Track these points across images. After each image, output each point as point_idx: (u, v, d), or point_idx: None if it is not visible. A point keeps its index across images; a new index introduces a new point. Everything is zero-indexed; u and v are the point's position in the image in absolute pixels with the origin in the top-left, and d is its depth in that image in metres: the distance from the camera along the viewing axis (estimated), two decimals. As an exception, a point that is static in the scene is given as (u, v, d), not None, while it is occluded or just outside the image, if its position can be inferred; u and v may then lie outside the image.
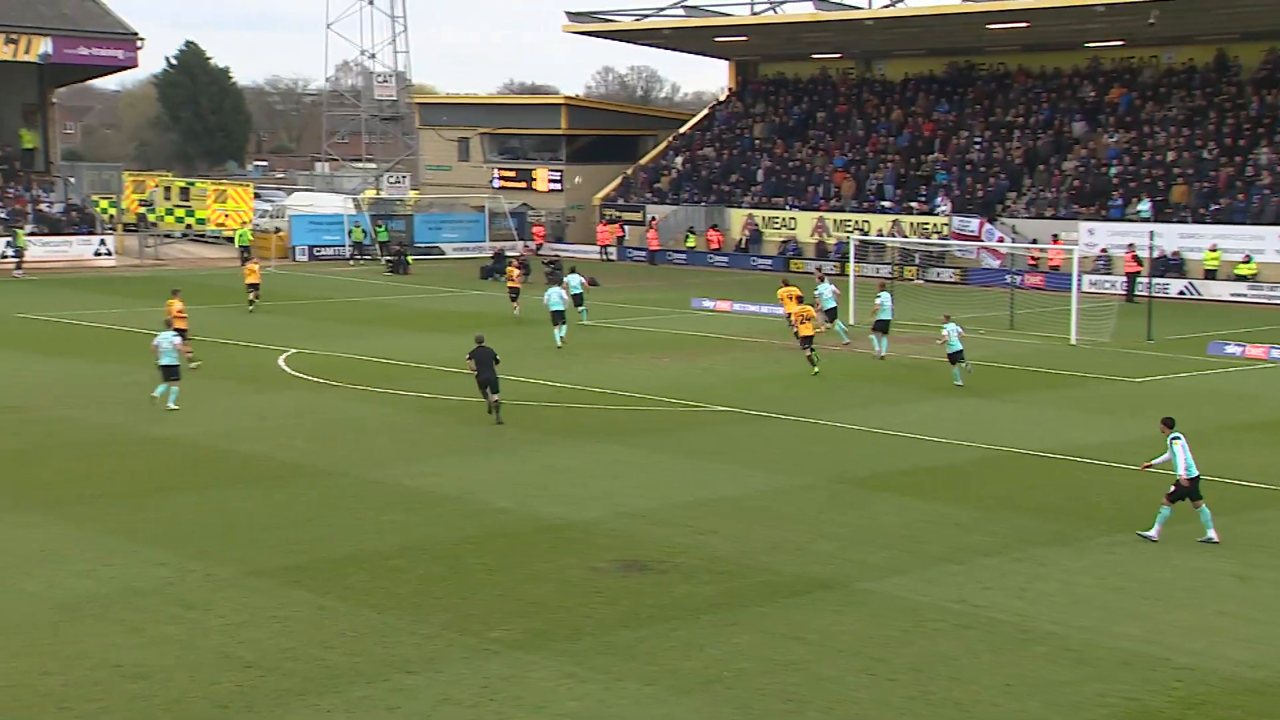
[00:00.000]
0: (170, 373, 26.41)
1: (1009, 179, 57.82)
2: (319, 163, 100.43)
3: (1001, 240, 54.03)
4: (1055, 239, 52.62)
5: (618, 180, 70.10)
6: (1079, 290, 39.38)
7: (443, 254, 64.17)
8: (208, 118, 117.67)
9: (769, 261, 60.31)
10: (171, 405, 26.30)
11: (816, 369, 31.70)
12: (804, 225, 61.26)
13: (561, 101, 77.17)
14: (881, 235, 56.49)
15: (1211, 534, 18.31)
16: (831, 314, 36.28)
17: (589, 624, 15.04)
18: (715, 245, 62.46)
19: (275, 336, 36.67)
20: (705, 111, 74.36)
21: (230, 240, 63.06)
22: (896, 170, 61.23)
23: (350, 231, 62.27)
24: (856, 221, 58.57)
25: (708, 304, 44.97)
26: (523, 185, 73.37)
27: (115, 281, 51.79)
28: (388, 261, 58.22)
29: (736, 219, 63.59)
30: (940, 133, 62.21)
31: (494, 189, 72.30)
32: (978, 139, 60.74)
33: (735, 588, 16.36)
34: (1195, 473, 18.19)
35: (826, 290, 36.71)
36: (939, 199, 58.00)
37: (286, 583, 16.26)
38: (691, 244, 63.11)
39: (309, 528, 18.65)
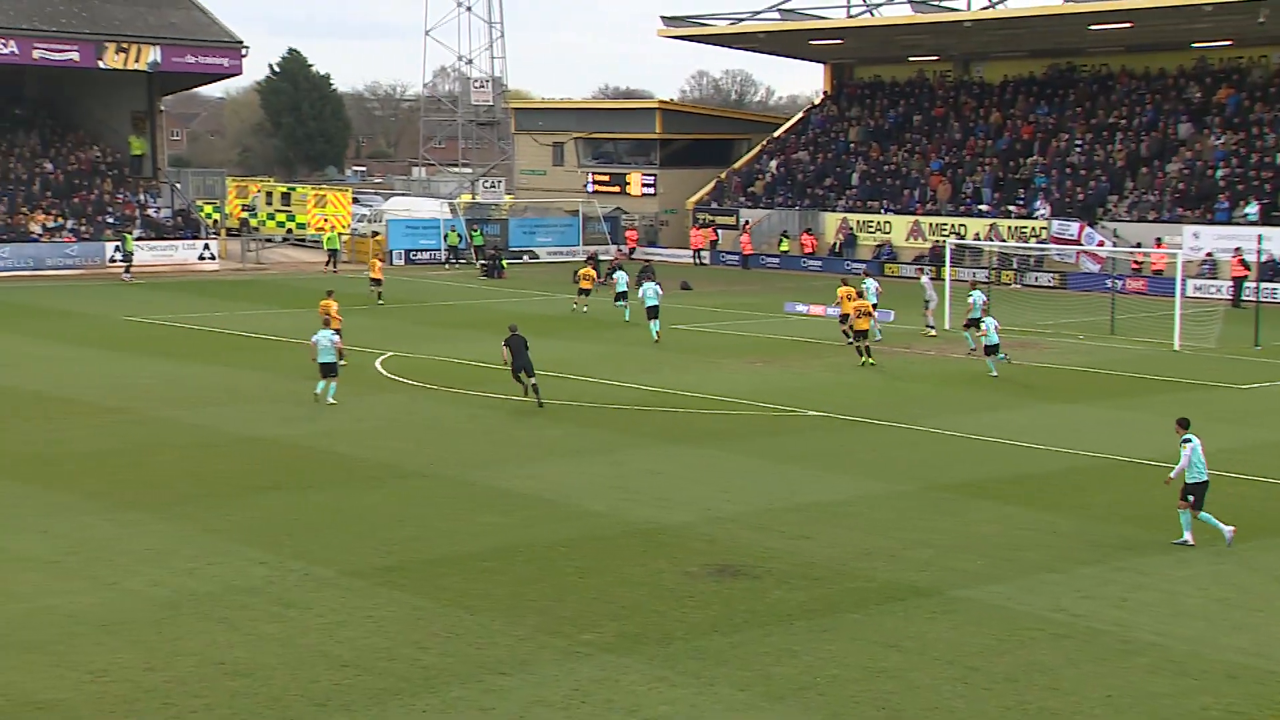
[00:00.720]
0: (328, 369, 27.50)
1: (1110, 182, 56.80)
2: (416, 167, 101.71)
3: (1102, 244, 53.10)
4: (1158, 243, 51.59)
5: (711, 184, 70.05)
6: (1183, 295, 38.57)
7: (537, 258, 64.61)
8: (308, 124, 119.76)
9: (863, 265, 59.82)
10: (330, 400, 27.35)
11: (863, 360, 33.05)
12: (899, 229, 60.73)
13: (656, 106, 77.34)
14: (978, 239, 55.83)
15: (1188, 536, 18.10)
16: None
17: (681, 628, 15.01)
18: (809, 249, 62.17)
19: (372, 339, 37.14)
20: (800, 115, 74.02)
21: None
22: (994, 173, 60.44)
23: (446, 236, 62.90)
24: (953, 225, 57.93)
25: (801, 308, 44.76)
26: (616, 190, 73.62)
27: (218, 285, 52.85)
28: (482, 265, 58.71)
29: (830, 223, 63.23)
30: (1040, 135, 61.30)
31: (588, 193, 72.64)
32: (1078, 141, 59.76)
33: (829, 594, 16.24)
34: (1203, 478, 17.95)
35: (871, 285, 38.20)
36: (1038, 202, 57.16)
37: (382, 583, 16.45)
38: (785, 248, 62.87)
39: (404, 528, 18.85)
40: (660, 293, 38.42)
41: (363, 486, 21.25)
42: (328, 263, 58.26)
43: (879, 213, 61.98)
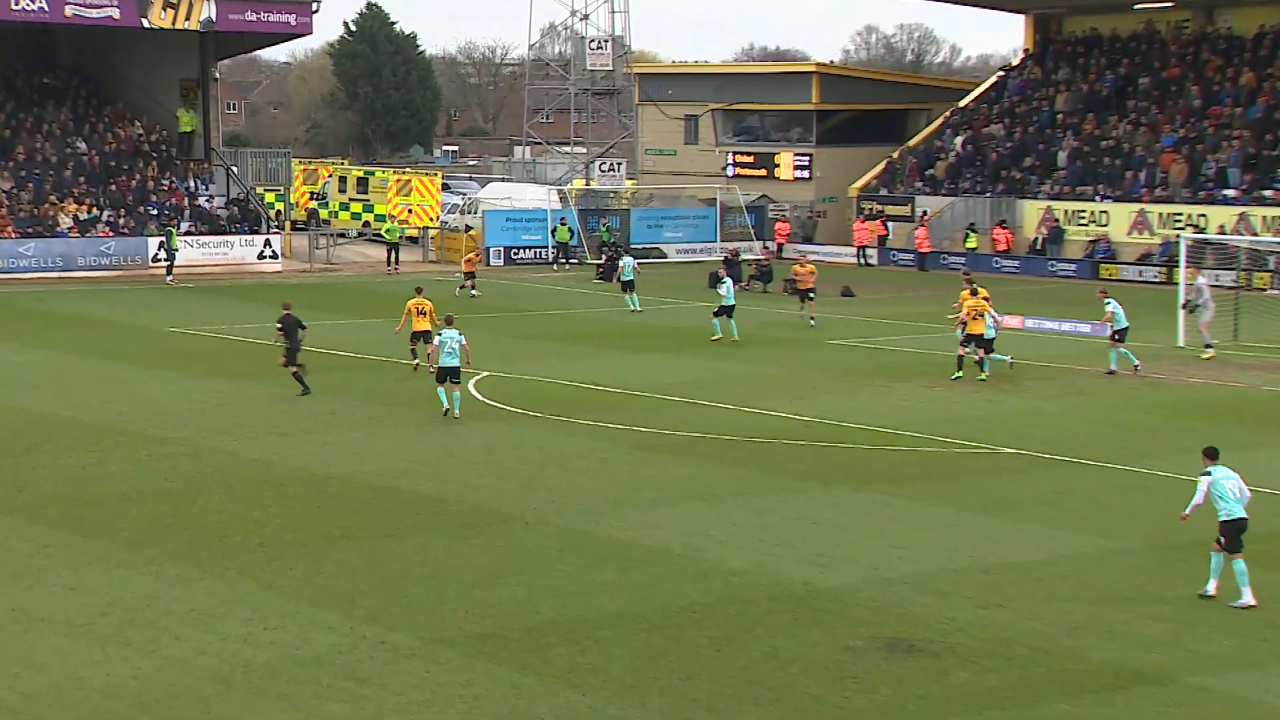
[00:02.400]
0: (450, 374, 29.29)
1: (1396, 160, 55.31)
2: (518, 147, 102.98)
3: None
4: None
5: (880, 166, 69.78)
6: None
7: (664, 257, 64.81)
8: (390, 94, 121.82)
9: (1072, 266, 59.05)
10: (447, 404, 29.37)
11: (959, 374, 34.04)
12: (1118, 220, 59.82)
13: (812, 69, 77.28)
14: (1223, 233, 54.72)
15: (1209, 587, 18.53)
16: None
17: (841, 716, 14.94)
18: (1003, 246, 61.57)
19: (465, 356, 37.54)
20: (993, 79, 73.45)
21: (414, 240, 65.00)
22: (1245, 150, 59.28)
23: (554, 230, 63.29)
24: (1190, 215, 56.93)
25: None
26: (763, 173, 73.70)
27: (281, 289, 53.84)
28: (598, 267, 58.90)
29: (1031, 213, 62.56)
30: (1304, 101, 60.01)
31: (728, 178, 72.81)
32: (1354, 108, 58.34)
33: (1028, 677, 16.07)
34: (1236, 515, 18.46)
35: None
36: (1301, 187, 55.99)
37: (475, 654, 16.60)
38: (972, 245, 62.35)
39: (503, 587, 19.01)
40: (734, 289, 41.52)
41: (452, 535, 21.47)
42: (394, 260, 58.98)
43: (1093, 200, 61.13)
